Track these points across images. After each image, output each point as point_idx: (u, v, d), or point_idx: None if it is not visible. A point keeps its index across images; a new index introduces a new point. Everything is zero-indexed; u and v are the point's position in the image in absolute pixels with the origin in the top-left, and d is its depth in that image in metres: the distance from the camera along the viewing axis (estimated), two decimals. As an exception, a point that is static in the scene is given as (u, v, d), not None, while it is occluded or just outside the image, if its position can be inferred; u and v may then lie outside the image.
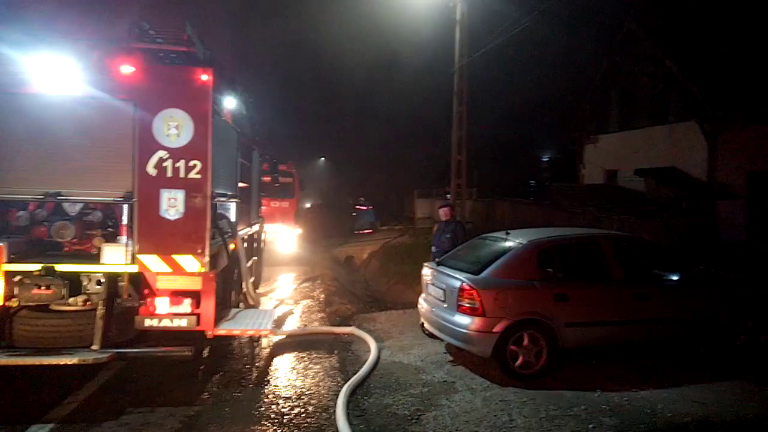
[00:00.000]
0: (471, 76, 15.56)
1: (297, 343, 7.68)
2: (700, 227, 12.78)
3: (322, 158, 45.73)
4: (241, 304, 7.99)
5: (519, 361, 6.02)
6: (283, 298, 11.18)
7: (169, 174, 5.54)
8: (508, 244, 6.68)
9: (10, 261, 5.32)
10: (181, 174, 5.56)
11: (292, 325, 8.99)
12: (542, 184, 24.73)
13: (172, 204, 5.54)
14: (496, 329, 5.94)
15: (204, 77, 5.59)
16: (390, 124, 31.47)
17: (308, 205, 24.20)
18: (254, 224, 10.06)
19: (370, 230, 25.66)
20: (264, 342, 7.52)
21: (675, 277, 6.74)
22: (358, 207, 27.23)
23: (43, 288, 5.37)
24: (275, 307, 9.82)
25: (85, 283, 5.63)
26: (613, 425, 4.93)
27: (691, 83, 14.82)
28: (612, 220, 12.72)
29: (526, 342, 6.03)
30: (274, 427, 4.94)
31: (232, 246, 7.23)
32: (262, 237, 12.00)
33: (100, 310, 5.52)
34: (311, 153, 42.38)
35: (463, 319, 6.10)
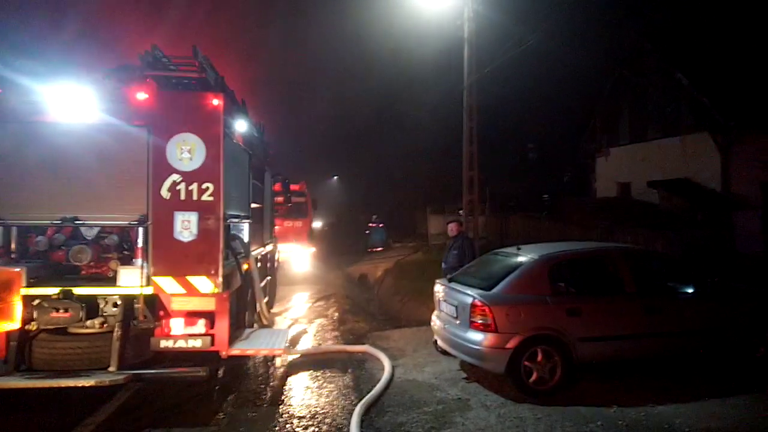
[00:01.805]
0: (481, 92, 15.65)
1: (311, 361, 7.70)
2: (716, 239, 12.62)
3: (335, 177, 46.05)
4: (256, 324, 8.05)
5: (533, 377, 5.98)
6: (298, 317, 11.22)
7: (183, 197, 5.65)
8: (520, 259, 6.68)
9: (29, 285, 5.43)
10: (194, 197, 5.67)
11: (306, 344, 9.01)
12: (555, 199, 24.59)
13: (185, 226, 5.64)
14: (509, 345, 5.92)
15: (215, 102, 5.73)
16: (401, 142, 31.63)
17: (319, 225, 24.29)
18: (267, 244, 10.15)
19: (383, 248, 25.65)
20: (278, 361, 7.55)
21: (690, 290, 6.68)
22: (370, 225, 27.26)
23: (61, 311, 5.48)
24: (289, 327, 9.86)
25: (102, 306, 5.74)
26: (630, 441, 4.88)
27: (701, 94, 14.76)
28: (625, 234, 12.62)
29: (539, 358, 6.00)
30: (289, 447, 4.95)
31: (245, 266, 7.29)
32: (276, 257, 12.09)
33: (117, 332, 5.62)
34: (324, 172, 42.73)
35: (476, 336, 6.09)
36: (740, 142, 14.10)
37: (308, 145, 37.62)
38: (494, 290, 6.26)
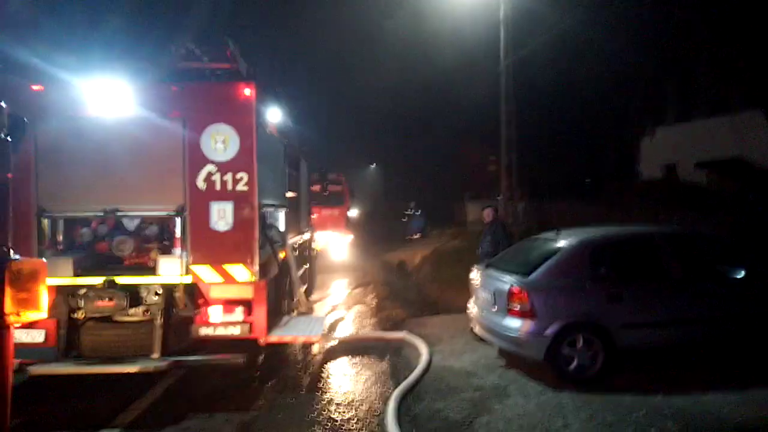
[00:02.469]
0: (519, 75, 15.32)
1: (349, 348, 7.75)
2: (770, 220, 12.01)
3: (373, 165, 46.08)
4: (294, 312, 8.15)
5: (573, 365, 5.85)
6: (336, 304, 11.32)
7: (218, 187, 5.74)
8: (559, 244, 6.51)
9: (75, 275, 5.63)
10: (229, 187, 5.74)
11: (344, 330, 9.08)
12: (598, 182, 23.89)
13: (221, 216, 5.73)
14: (548, 332, 5.80)
15: (247, 92, 5.77)
16: (439, 128, 31.32)
17: (357, 213, 24.37)
18: (305, 233, 10.24)
19: (421, 235, 25.56)
20: (316, 348, 7.63)
21: (740, 273, 6.37)
22: (408, 212, 27.20)
23: (106, 300, 5.67)
24: (327, 314, 9.95)
25: (144, 295, 5.90)
26: (676, 430, 4.71)
27: (752, 69, 14.00)
28: (671, 217, 12.16)
29: (579, 345, 5.86)
30: (326, 433, 5.00)
31: (282, 255, 7.39)
32: (314, 245, 12.19)
33: (159, 320, 5.78)
34: (362, 160, 42.80)
35: (514, 323, 5.99)
36: (796, 118, 13.36)
37: (346, 134, 37.72)
38: (532, 276, 6.13)
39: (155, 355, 5.66)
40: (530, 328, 5.85)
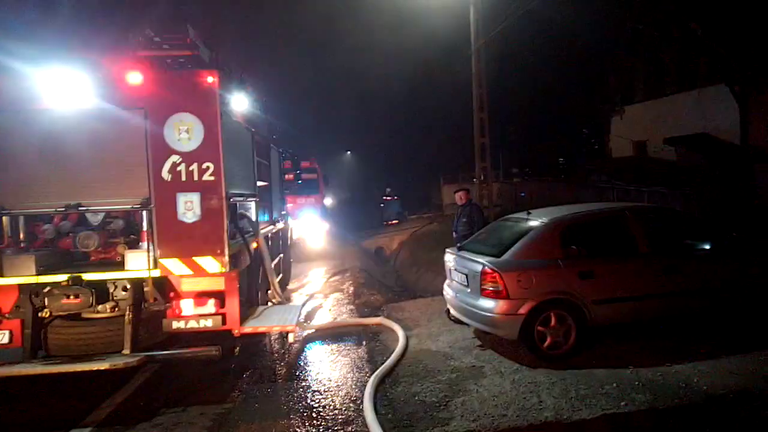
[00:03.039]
0: (492, 58, 15.33)
1: (326, 336, 7.74)
2: (736, 193, 12.30)
3: (348, 152, 45.90)
4: (270, 302, 8.09)
5: (547, 342, 5.92)
6: (313, 292, 11.28)
7: (184, 178, 5.61)
8: (530, 224, 6.56)
9: (39, 273, 5.48)
10: (195, 177, 5.62)
11: (321, 318, 9.06)
12: (571, 162, 24.20)
13: (188, 207, 5.62)
14: (521, 311, 5.85)
15: (210, 79, 5.63)
16: (412, 113, 31.26)
17: (333, 200, 24.27)
18: (278, 222, 10.14)
19: (398, 220, 25.62)
20: (292, 337, 7.57)
21: (707, 247, 6.50)
22: (385, 198, 27.21)
23: (72, 297, 5.53)
24: (305, 302, 9.90)
25: (111, 290, 5.78)
26: (646, 401, 4.81)
27: (718, 45, 14.23)
28: (642, 193, 12.37)
29: (553, 322, 5.92)
30: (303, 421, 4.98)
31: (254, 245, 7.30)
32: (288, 234, 12.10)
33: (128, 316, 5.67)
34: (337, 148, 42.57)
35: (488, 303, 6.03)
36: (759, 93, 13.61)
37: (321, 122, 37.42)
38: (504, 256, 6.17)
39: (126, 351, 5.55)
40: (504, 307, 5.89)
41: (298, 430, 4.82)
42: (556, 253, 6.14)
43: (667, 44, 16.71)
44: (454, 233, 9.01)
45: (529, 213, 6.88)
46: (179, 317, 5.76)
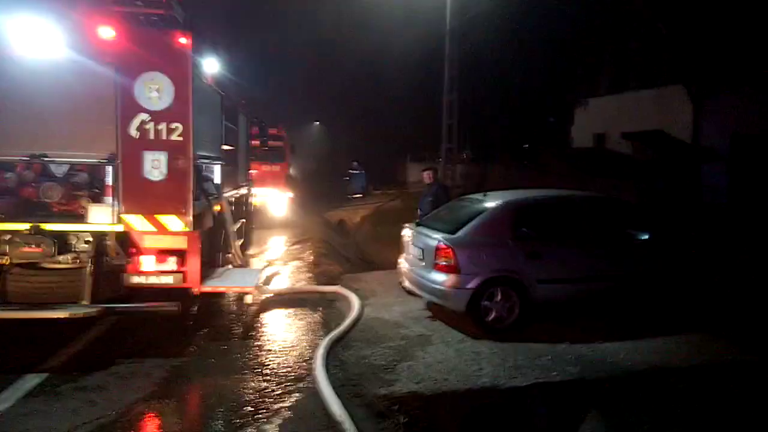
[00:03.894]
0: (465, 41, 15.51)
1: (283, 301, 7.96)
2: (684, 190, 13.00)
3: (317, 123, 45.50)
4: (230, 265, 8.24)
5: (492, 316, 6.31)
6: (273, 259, 11.44)
7: (152, 136, 5.69)
8: (485, 204, 6.90)
9: (0, 220, 5.51)
10: (163, 136, 5.71)
11: (280, 284, 9.26)
12: (535, 148, 24.76)
13: (155, 165, 5.71)
14: (470, 285, 6.21)
15: (183, 40, 5.68)
16: (383, 89, 31.19)
17: (299, 170, 24.23)
18: (242, 187, 10.23)
19: (363, 194, 25.78)
20: (251, 300, 7.78)
21: (645, 236, 6.98)
22: (350, 171, 27.25)
23: (33, 246, 5.58)
24: (264, 268, 10.07)
25: (73, 242, 5.84)
26: (575, 373, 5.25)
27: (680, 46, 14.78)
28: (596, 183, 12.92)
29: (498, 297, 6.31)
30: (255, 376, 5.23)
31: (217, 208, 7.42)
32: (251, 200, 12.17)
33: (89, 268, 5.75)
34: (305, 117, 42.13)
35: (439, 277, 6.36)
36: (713, 95, 14.28)
37: (290, 90, 36.93)
38: (458, 234, 6.49)
39: (85, 302, 5.65)
40: (454, 281, 6.24)
41: (251, 384, 5.06)
42: (507, 233, 6.50)
43: (633, 41, 17.23)
44: (419, 210, 9.27)
45: (485, 194, 7.22)
46: (140, 272, 5.89)
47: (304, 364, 5.55)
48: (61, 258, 5.72)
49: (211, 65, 6.94)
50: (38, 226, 5.58)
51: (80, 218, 5.75)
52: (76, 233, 5.81)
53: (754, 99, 14.36)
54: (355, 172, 26.98)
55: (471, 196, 7.65)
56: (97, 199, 5.95)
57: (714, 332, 6.29)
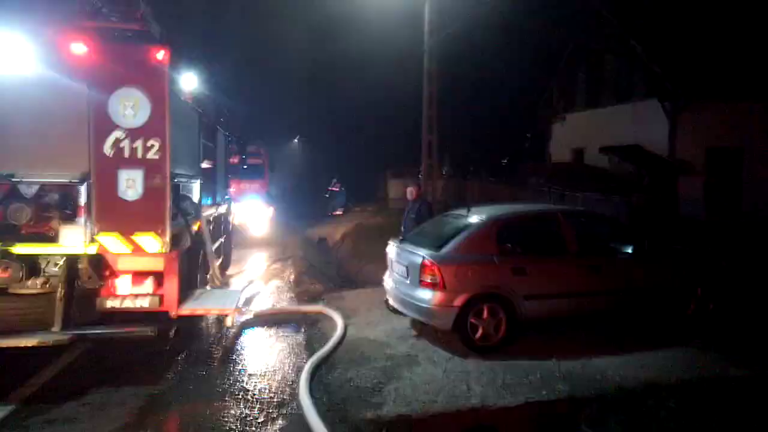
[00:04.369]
0: (444, 58, 15.59)
1: (264, 322, 7.76)
2: (661, 203, 13.15)
3: (296, 139, 45.36)
4: (209, 286, 8.02)
5: (479, 333, 6.20)
6: (253, 278, 11.20)
7: (127, 154, 5.50)
8: (469, 220, 6.82)
9: (-36, 244, 5.25)
10: (139, 154, 5.52)
11: (260, 304, 9.04)
12: (513, 163, 25.02)
13: (130, 184, 5.51)
14: (456, 303, 6.10)
15: (159, 55, 5.53)
16: (363, 105, 31.30)
17: (279, 187, 24.02)
18: (221, 205, 10.03)
19: (343, 211, 25.66)
20: (230, 321, 7.53)
21: (629, 250, 6.97)
22: (330, 188, 27.13)
23: (0, 270, 5.33)
24: (244, 288, 9.81)
25: (43, 266, 5.60)
26: (565, 390, 5.15)
27: (654, 63, 15.09)
28: (576, 197, 13.00)
29: (485, 315, 6.20)
30: (237, 403, 5.03)
31: (196, 227, 7.23)
32: (231, 218, 11.96)
33: (60, 292, 5.51)
34: (285, 134, 41.98)
35: (425, 294, 6.24)
36: (687, 110, 14.56)
37: (269, 107, 36.80)
38: (443, 250, 6.40)
39: (56, 328, 5.41)
40: (440, 299, 6.12)
41: (232, 411, 4.86)
42: (492, 249, 6.42)
43: (608, 58, 17.55)
44: (402, 227, 9.19)
45: (469, 210, 7.15)
46: (114, 296, 5.66)
47: (288, 388, 5.37)
48: (30, 283, 5.48)
49: (189, 81, 6.79)
50: (6, 249, 5.32)
51: (51, 240, 5.51)
52: (46, 256, 5.58)
53: (726, 113, 14.71)
54: (335, 189, 26.88)
55: (455, 211, 7.58)
56: (68, 220, 5.69)
57: (703, 345, 6.27)
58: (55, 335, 5.30)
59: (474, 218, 6.79)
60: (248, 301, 9.03)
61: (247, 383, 5.51)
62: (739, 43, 15.59)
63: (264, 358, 6.27)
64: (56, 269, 5.60)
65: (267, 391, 5.32)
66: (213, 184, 9.17)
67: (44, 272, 5.59)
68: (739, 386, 5.20)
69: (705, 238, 11.13)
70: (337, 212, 25.49)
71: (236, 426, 4.56)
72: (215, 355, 6.36)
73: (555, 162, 20.09)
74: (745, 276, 8.55)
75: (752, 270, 9.08)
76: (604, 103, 17.74)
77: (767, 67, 14.97)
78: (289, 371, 5.84)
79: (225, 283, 8.64)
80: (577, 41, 19.07)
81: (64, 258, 5.59)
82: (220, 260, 9.27)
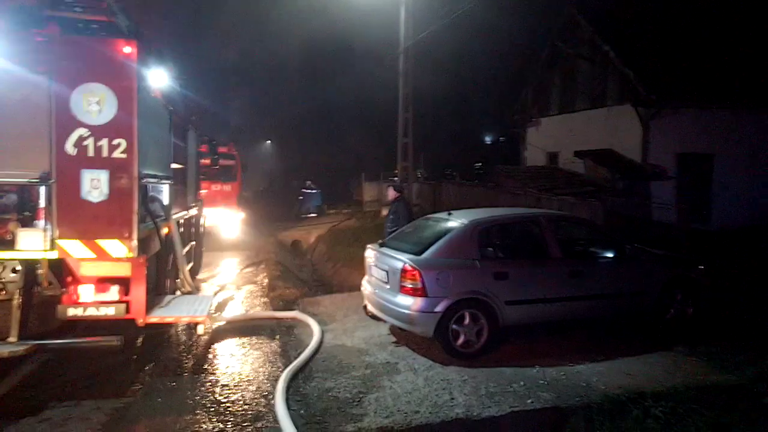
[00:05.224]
0: (419, 60, 15.53)
1: (237, 329, 7.46)
2: (635, 207, 13.25)
3: (269, 141, 44.81)
4: (179, 291, 7.69)
5: (460, 340, 6.04)
6: (225, 283, 10.87)
7: (91, 153, 5.18)
8: (450, 224, 6.67)
9: None
10: (105, 153, 5.20)
11: (232, 310, 8.73)
12: (488, 167, 25.09)
13: (95, 185, 5.19)
14: (437, 309, 5.93)
15: (127, 49, 5.23)
16: (338, 108, 31.09)
17: (251, 189, 23.60)
18: (192, 208, 9.68)
19: (317, 214, 25.34)
20: (202, 329, 7.22)
21: (610, 255, 6.92)
22: (304, 190, 26.76)
23: (-49, 277, 4.96)
24: (215, 294, 9.52)
25: (-1, 271, 5.23)
26: (549, 399, 5.02)
27: (627, 68, 15.27)
28: (552, 201, 13.00)
29: (467, 321, 6.05)
30: (209, 416, 4.76)
31: (165, 230, 6.91)
32: (202, 221, 11.59)
33: (17, 300, 5.17)
34: (257, 136, 41.46)
35: (406, 300, 6.06)
36: (660, 115, 14.76)
37: (242, 107, 36.25)
38: (424, 255, 6.22)
39: (12, 339, 5.05)
40: (421, 305, 5.94)
41: (204, 425, 4.59)
42: (473, 253, 6.28)
43: (582, 63, 17.71)
44: (386, 229, 9.06)
45: (449, 213, 7.00)
46: (77, 304, 5.34)
47: (263, 400, 5.11)
48: (-17, 290, 5.10)
49: (159, 78, 6.46)
50: (-43, 254, 4.94)
51: (7, 244, 5.14)
52: (2, 261, 5.20)
53: (698, 119, 14.98)
54: (309, 191, 26.54)
55: (435, 215, 7.42)
56: (27, 223, 5.35)
57: (685, 352, 6.22)
58: (11, 346, 4.95)
59: (455, 222, 6.64)
60: (220, 307, 8.72)
61: (219, 395, 5.23)
62: (711, 50, 15.93)
63: (237, 368, 5.99)
64: (13, 275, 5.24)
65: (241, 403, 5.06)
66: (184, 185, 8.82)
67: (0, 279, 5.21)
68: (723, 393, 5.14)
69: (678, 242, 11.23)
70: (311, 215, 25.17)
71: (208, 442, 4.29)
72: (185, 365, 6.05)
73: (530, 165, 20.18)
74: (721, 280, 8.61)
75: (726, 274, 9.17)
76: (579, 107, 17.89)
77: (738, 74, 15.32)
78: (265, 381, 5.58)
79: (196, 289, 8.30)
80: (551, 46, 19.22)
81: (22, 263, 5.22)
82: (191, 264, 8.92)
